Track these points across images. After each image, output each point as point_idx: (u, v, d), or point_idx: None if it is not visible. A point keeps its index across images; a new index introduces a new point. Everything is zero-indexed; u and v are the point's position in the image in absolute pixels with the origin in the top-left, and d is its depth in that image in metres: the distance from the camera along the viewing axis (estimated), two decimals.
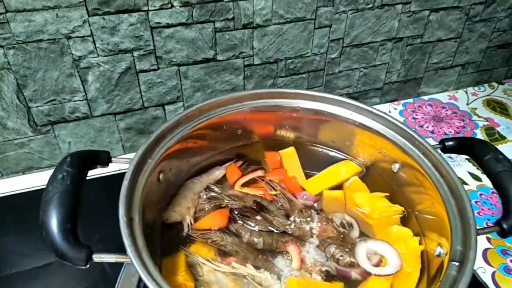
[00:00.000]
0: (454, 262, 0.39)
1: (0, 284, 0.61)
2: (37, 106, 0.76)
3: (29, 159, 0.83)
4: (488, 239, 0.75)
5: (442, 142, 0.51)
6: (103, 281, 0.58)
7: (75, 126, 0.82)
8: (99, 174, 0.82)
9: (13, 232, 0.71)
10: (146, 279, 0.34)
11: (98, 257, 0.36)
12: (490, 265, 0.70)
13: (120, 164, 0.44)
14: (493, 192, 0.84)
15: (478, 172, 0.88)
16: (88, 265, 0.36)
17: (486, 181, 0.86)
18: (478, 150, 0.47)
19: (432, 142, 0.51)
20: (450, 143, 0.50)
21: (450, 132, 0.99)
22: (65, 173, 0.38)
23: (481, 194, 0.83)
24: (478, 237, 0.72)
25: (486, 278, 0.67)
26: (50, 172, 0.85)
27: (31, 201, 0.76)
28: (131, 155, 0.46)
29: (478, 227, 0.42)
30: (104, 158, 0.45)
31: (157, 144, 0.49)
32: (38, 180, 0.82)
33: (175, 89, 0.85)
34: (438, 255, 0.45)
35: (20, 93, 0.74)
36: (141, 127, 0.88)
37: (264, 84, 0.92)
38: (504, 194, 0.44)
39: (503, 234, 0.43)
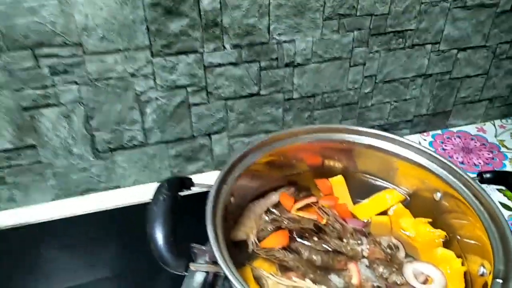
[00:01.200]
0: (498, 280, 0.44)
1: None
2: (100, 135, 0.85)
3: (88, 182, 0.90)
4: None
5: (480, 174, 0.57)
6: None
7: (131, 153, 0.90)
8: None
9: (66, 250, 0.76)
10: (238, 285, 0.40)
11: (194, 266, 0.43)
12: None
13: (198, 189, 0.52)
14: None
15: (509, 202, 0.92)
16: (186, 273, 0.43)
17: None
18: None
19: (470, 174, 0.56)
20: (488, 175, 0.56)
21: (480, 163, 1.03)
22: (165, 196, 0.46)
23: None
24: None
25: None
26: (104, 193, 0.93)
27: (88, 223, 0.84)
28: (206, 181, 0.54)
29: None
30: (188, 183, 0.53)
31: (230, 172, 0.57)
32: (94, 201, 0.89)
33: (222, 120, 0.92)
34: (482, 275, 0.50)
35: (87, 124, 0.82)
36: (189, 154, 0.95)
37: (301, 115, 0.99)
38: None
39: None
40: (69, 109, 0.79)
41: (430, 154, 0.59)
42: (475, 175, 0.57)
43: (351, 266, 0.57)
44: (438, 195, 0.60)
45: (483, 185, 0.55)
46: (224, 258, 0.43)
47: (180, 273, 0.43)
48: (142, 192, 0.92)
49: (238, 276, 0.41)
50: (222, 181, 0.53)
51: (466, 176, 0.55)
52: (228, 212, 0.57)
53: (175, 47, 0.79)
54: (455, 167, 0.56)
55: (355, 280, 0.55)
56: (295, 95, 0.95)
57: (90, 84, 0.78)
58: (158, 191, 0.47)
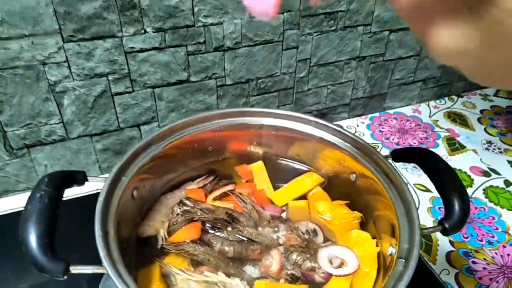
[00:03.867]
0: (401, 259, 0.43)
1: None
2: (13, 130, 0.78)
3: (5, 182, 0.84)
4: (452, 243, 0.79)
5: (392, 152, 0.56)
6: None
7: (51, 149, 0.84)
8: (76, 194, 0.84)
9: None
10: (120, 285, 0.36)
11: (75, 269, 0.38)
12: (453, 267, 0.74)
13: (97, 184, 0.47)
14: None
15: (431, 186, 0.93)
16: (66, 277, 0.38)
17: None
18: (422, 157, 0.53)
19: (382, 153, 0.56)
20: (399, 152, 0.55)
21: (415, 143, 1.05)
22: (42, 192, 0.41)
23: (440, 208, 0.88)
24: (443, 240, 0.77)
25: (450, 279, 0.71)
26: (26, 194, 0.86)
27: (9, 223, 0.77)
28: (107, 175, 0.49)
29: (423, 227, 0.46)
30: (80, 178, 0.48)
31: (131, 163, 0.52)
32: (15, 203, 0.83)
33: (150, 110, 0.88)
34: (390, 254, 0.50)
35: None
36: (117, 148, 0.90)
37: (237, 102, 0.96)
38: (445, 196, 0.49)
39: (444, 232, 0.48)
40: None
41: (345, 134, 0.58)
42: (388, 154, 0.56)
43: (274, 252, 0.55)
44: (353, 176, 0.60)
45: (398, 164, 0.54)
46: (111, 256, 0.39)
47: (59, 278, 0.38)
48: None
49: (123, 275, 0.38)
50: (119, 173, 0.49)
51: (378, 155, 0.54)
52: (132, 207, 0.53)
53: (89, 31, 0.74)
54: (367, 146, 0.55)
55: (275, 267, 0.53)
56: (228, 81, 0.92)
57: None
58: (36, 188, 0.42)
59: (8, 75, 0.72)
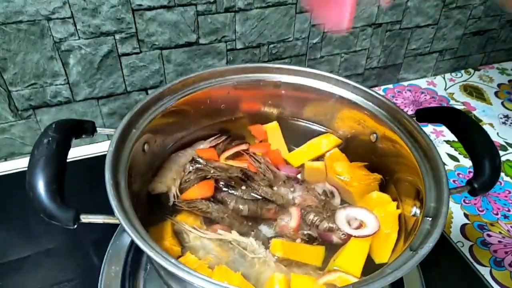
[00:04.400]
0: (428, 218, 0.41)
1: None
2: (17, 90, 0.76)
3: (10, 145, 0.82)
4: (466, 216, 0.78)
5: (417, 112, 0.53)
6: (83, 276, 0.58)
7: (57, 111, 0.82)
8: (86, 155, 0.82)
9: None
10: (134, 236, 0.34)
11: (85, 218, 0.36)
12: (468, 239, 0.73)
13: (106, 144, 0.45)
14: (469, 172, 0.87)
15: (456, 153, 0.91)
16: (75, 226, 0.37)
17: (464, 162, 0.89)
18: (451, 118, 0.50)
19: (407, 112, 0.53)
20: (426, 112, 0.52)
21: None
22: (50, 138, 0.39)
23: (459, 174, 0.86)
24: (457, 213, 0.75)
25: (464, 251, 0.70)
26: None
27: (14, 184, 0.76)
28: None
29: (450, 187, 0.44)
30: (89, 127, 0.46)
31: (142, 115, 0.50)
32: (20, 165, 0.81)
33: (158, 73, 0.85)
34: (414, 215, 0.48)
35: (0, 77, 0.73)
36: (124, 112, 0.88)
37: None
38: (475, 156, 0.46)
39: (473, 192, 0.45)
40: None
41: (366, 92, 0.55)
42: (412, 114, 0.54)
43: (293, 209, 0.53)
44: (374, 136, 0.57)
45: (422, 124, 0.51)
46: (123, 206, 0.37)
47: (68, 227, 0.36)
48: (75, 154, 0.84)
49: (136, 225, 0.35)
50: (129, 124, 0.46)
51: (402, 113, 0.51)
52: (143, 162, 0.50)
53: None
54: (392, 105, 0.53)
55: (293, 224, 0.51)
56: (239, 45, 0.88)
57: None
58: (43, 134, 0.40)
59: (12, 31, 0.69)
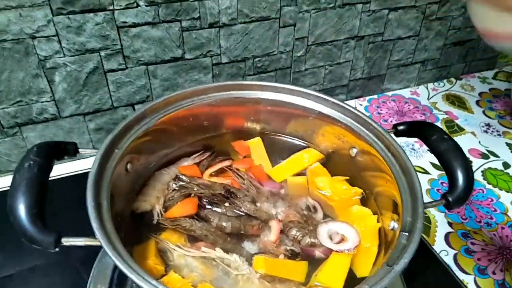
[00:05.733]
0: (404, 232, 0.42)
1: None
2: (2, 108, 0.76)
3: None
4: (450, 224, 0.79)
5: (394, 126, 0.55)
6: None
7: (43, 128, 0.82)
8: (68, 172, 0.82)
9: None
10: (115, 259, 0.35)
11: (67, 241, 0.37)
12: (452, 247, 0.74)
13: (89, 161, 0.45)
14: None
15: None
16: (57, 249, 0.37)
17: None
18: (425, 132, 0.51)
19: (384, 128, 0.54)
20: (402, 127, 0.54)
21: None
22: (31, 162, 0.39)
23: (442, 183, 0.88)
24: (441, 222, 0.76)
25: (448, 260, 0.71)
26: None
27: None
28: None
29: (426, 201, 0.45)
30: (71, 149, 0.46)
31: (124, 135, 0.50)
32: (7, 183, 0.81)
33: (144, 88, 0.86)
34: (392, 229, 0.49)
35: None
36: (111, 128, 0.88)
37: None
38: (449, 170, 0.47)
39: (448, 206, 0.47)
40: None
41: (345, 108, 0.57)
42: (390, 129, 0.55)
43: (273, 222, 0.54)
44: (354, 151, 0.58)
45: (399, 138, 0.53)
46: (104, 228, 0.37)
47: (50, 250, 0.37)
48: (58, 171, 0.83)
49: (118, 247, 0.36)
50: (111, 145, 0.47)
51: (379, 128, 0.52)
52: (126, 181, 0.51)
53: (79, 3, 0.71)
54: (369, 120, 0.54)
55: (272, 237, 0.52)
56: (224, 59, 0.90)
57: None
58: (24, 157, 0.40)
59: None
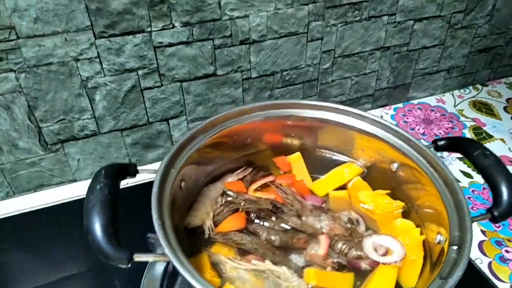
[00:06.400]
0: (453, 247, 0.44)
1: None
2: (47, 126, 0.79)
3: (40, 177, 0.85)
4: (483, 232, 0.79)
5: (434, 142, 0.56)
6: None
7: (83, 144, 0.85)
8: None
9: (24, 250, 0.72)
10: (186, 274, 0.37)
11: (138, 257, 0.40)
12: (486, 255, 0.74)
13: (142, 176, 0.48)
14: (484, 188, 0.89)
15: (469, 170, 0.93)
16: (129, 265, 0.40)
17: (477, 178, 0.91)
18: (467, 148, 0.53)
19: (424, 143, 0.56)
20: (442, 142, 0.55)
21: (440, 133, 1.05)
22: (102, 184, 0.42)
23: (473, 190, 0.88)
24: (474, 230, 0.77)
25: (483, 267, 0.71)
26: (60, 188, 0.88)
27: (43, 218, 0.79)
28: (153, 166, 0.50)
29: (472, 216, 0.46)
30: (132, 170, 0.49)
31: (178, 155, 0.53)
32: (49, 197, 0.84)
33: (178, 104, 0.89)
34: (439, 242, 0.50)
35: (31, 114, 0.76)
36: (146, 142, 0.91)
37: (262, 95, 0.96)
38: (493, 185, 0.49)
39: (494, 220, 0.48)
40: (8, 100, 0.73)
41: (385, 125, 0.58)
42: (430, 143, 0.56)
43: (322, 237, 0.56)
44: (395, 166, 0.60)
45: (439, 153, 0.54)
46: (171, 244, 0.40)
47: (124, 266, 0.40)
48: None
49: (185, 263, 0.39)
50: (168, 165, 0.50)
51: (420, 145, 0.54)
52: (180, 198, 0.54)
53: (119, 27, 0.74)
54: (409, 137, 0.56)
55: (321, 251, 0.54)
56: (254, 74, 0.92)
57: (29, 71, 0.72)
58: (94, 179, 0.43)
59: (43, 72, 0.73)
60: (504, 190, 0.46)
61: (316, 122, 0.62)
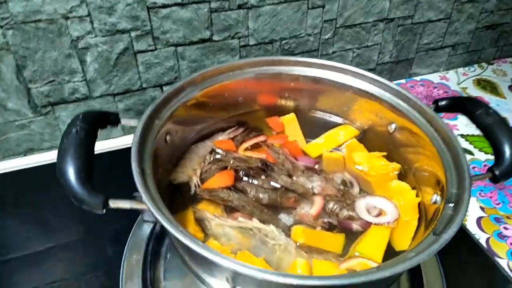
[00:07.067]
0: (450, 204, 0.42)
1: (2, 268, 0.61)
2: (36, 87, 0.77)
3: (30, 140, 0.83)
4: (482, 209, 0.77)
5: (435, 102, 0.54)
6: (105, 265, 0.60)
7: (75, 107, 0.83)
8: (108, 148, 0.82)
9: (13, 213, 0.71)
10: (163, 221, 0.35)
11: (114, 203, 0.38)
12: (484, 232, 0.72)
13: (128, 138, 0.46)
14: (484, 165, 0.87)
15: (471, 147, 0.91)
16: (104, 211, 0.38)
17: (478, 155, 0.89)
18: (470, 107, 0.50)
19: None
20: (444, 102, 0.53)
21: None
22: (78, 128, 0.40)
23: (474, 167, 0.86)
24: (473, 206, 0.75)
25: (481, 243, 0.69)
26: (50, 153, 0.86)
27: (32, 178, 0.77)
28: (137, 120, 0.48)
29: (471, 174, 0.44)
30: (113, 118, 0.47)
31: (163, 107, 0.51)
32: (38, 160, 0.83)
33: (173, 69, 0.86)
34: (435, 202, 0.48)
35: (19, 74, 0.74)
36: (140, 108, 0.89)
37: None
38: (495, 143, 0.46)
39: (494, 179, 0.46)
40: None
41: (383, 83, 0.56)
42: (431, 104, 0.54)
43: (317, 198, 0.54)
44: (392, 127, 0.57)
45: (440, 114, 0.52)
46: (150, 192, 0.38)
47: (98, 212, 0.37)
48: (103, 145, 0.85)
49: (164, 211, 0.36)
50: (152, 115, 0.47)
51: (420, 103, 0.51)
52: (165, 152, 0.52)
53: None
54: (409, 95, 0.53)
55: (313, 211, 0.52)
56: (252, 41, 0.89)
57: (16, 27, 0.69)
58: (71, 123, 0.41)
59: (31, 29, 0.71)
60: (507, 149, 0.44)
61: (310, 81, 0.60)
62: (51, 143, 0.86)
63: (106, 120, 0.46)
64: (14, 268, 0.61)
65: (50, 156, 0.84)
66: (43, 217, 0.69)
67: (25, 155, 0.85)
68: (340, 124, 0.65)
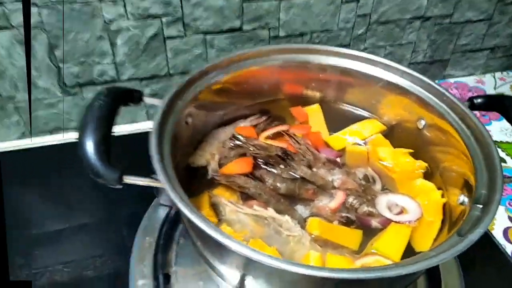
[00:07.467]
0: (478, 205, 0.39)
1: (21, 243, 0.62)
2: (67, 67, 0.79)
3: (57, 119, 0.85)
4: (510, 218, 0.74)
5: (470, 100, 0.51)
6: (119, 247, 0.60)
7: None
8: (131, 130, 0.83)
9: (35, 191, 0.73)
10: (178, 201, 0.35)
11: (129, 179, 0.38)
12: (511, 243, 0.69)
13: (150, 124, 0.46)
14: None
15: (503, 154, 0.87)
16: (120, 186, 0.38)
17: (511, 163, 0.85)
18: (506, 105, 0.47)
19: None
20: (479, 100, 0.50)
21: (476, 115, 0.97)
22: (102, 102, 0.40)
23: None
24: (500, 215, 0.71)
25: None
26: (76, 133, 0.87)
27: (57, 156, 0.79)
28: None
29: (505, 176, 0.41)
30: (136, 96, 0.47)
31: (187, 89, 0.51)
32: (65, 138, 0.85)
33: (201, 57, 0.86)
34: (462, 203, 0.46)
35: (51, 53, 0.76)
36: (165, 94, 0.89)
37: None
38: None
39: None
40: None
41: (415, 76, 0.53)
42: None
43: (339, 192, 0.52)
44: (422, 123, 0.55)
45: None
46: (166, 171, 0.37)
47: (113, 186, 0.38)
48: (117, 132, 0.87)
49: (180, 191, 0.36)
50: (175, 96, 0.47)
51: (453, 99, 0.49)
52: (186, 134, 0.51)
53: None
54: (442, 90, 0.50)
55: (333, 205, 0.50)
56: (282, 33, 0.88)
57: (52, 7, 0.71)
58: (95, 98, 0.42)
59: (66, 9, 0.72)
60: None
61: (339, 72, 0.58)
62: (77, 123, 0.87)
63: (129, 97, 0.46)
64: (34, 245, 0.62)
65: (76, 136, 0.86)
66: (64, 197, 0.71)
67: (51, 133, 0.87)
68: (367, 118, 0.63)
